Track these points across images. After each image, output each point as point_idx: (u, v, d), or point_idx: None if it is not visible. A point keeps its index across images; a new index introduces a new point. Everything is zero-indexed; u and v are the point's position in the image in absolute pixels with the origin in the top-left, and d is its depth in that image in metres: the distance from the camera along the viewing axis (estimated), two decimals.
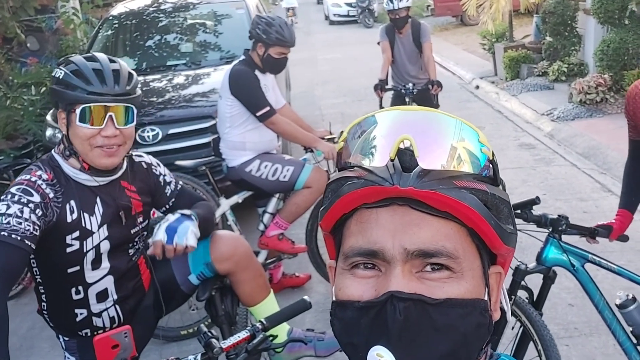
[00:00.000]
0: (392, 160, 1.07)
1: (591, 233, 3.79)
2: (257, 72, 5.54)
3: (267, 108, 5.41)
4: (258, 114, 5.40)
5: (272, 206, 5.85)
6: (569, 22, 12.74)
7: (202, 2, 9.83)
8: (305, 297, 2.89)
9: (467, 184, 1.06)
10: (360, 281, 1.09)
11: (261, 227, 5.85)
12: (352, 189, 1.09)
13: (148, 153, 3.68)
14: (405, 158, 1.07)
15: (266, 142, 5.69)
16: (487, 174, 1.11)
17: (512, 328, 3.87)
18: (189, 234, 3.30)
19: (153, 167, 3.48)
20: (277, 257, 5.87)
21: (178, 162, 5.76)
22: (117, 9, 10.11)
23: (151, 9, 9.79)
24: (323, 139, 5.71)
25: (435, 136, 1.08)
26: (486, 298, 1.12)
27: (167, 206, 3.57)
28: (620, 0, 10.63)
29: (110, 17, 9.75)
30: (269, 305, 3.87)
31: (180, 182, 3.66)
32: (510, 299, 3.72)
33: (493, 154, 1.13)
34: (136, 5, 10.10)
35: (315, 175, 5.46)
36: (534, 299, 3.89)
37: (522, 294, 3.83)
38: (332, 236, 1.20)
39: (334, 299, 1.14)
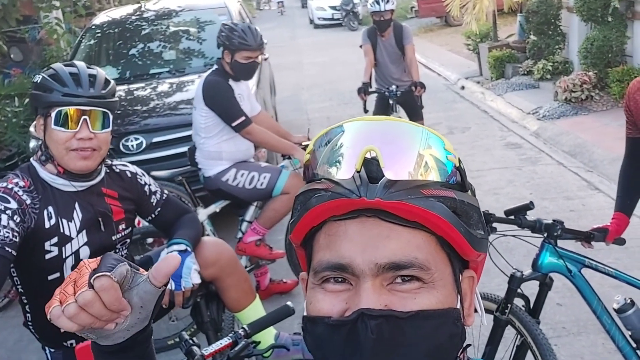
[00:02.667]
0: (358, 172, 1.06)
1: (587, 237, 3.72)
2: (230, 82, 5.51)
3: (243, 118, 5.38)
4: (233, 124, 5.37)
5: (249, 214, 5.83)
6: (553, 20, 12.78)
7: (185, 9, 9.80)
8: (289, 303, 2.89)
9: (435, 192, 1.05)
10: (331, 295, 1.08)
11: (239, 235, 5.83)
12: (320, 202, 1.08)
13: (132, 162, 3.72)
14: (372, 168, 1.06)
15: (242, 152, 5.65)
16: (455, 180, 1.10)
17: (514, 336, 3.83)
18: (192, 274, 3.39)
19: (138, 176, 3.50)
20: (255, 264, 5.87)
21: (154, 173, 5.74)
22: (100, 18, 10.07)
23: (133, 17, 9.75)
24: (301, 144, 5.68)
25: (401, 145, 1.07)
26: (458, 306, 1.12)
27: (153, 215, 3.59)
28: None
29: (93, 27, 9.71)
30: (255, 310, 3.89)
31: (166, 192, 3.68)
32: (506, 307, 3.68)
33: (459, 160, 1.12)
34: (118, 14, 10.09)
35: (293, 181, 5.43)
36: (531, 306, 3.83)
37: (518, 302, 3.77)
38: (303, 249, 1.19)
39: (305, 313, 1.13)
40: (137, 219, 3.66)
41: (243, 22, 5.70)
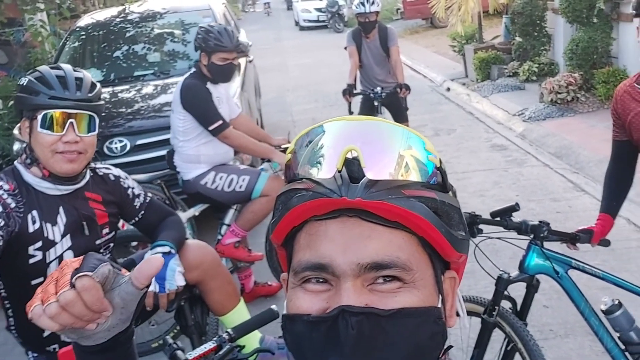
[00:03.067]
0: (339, 171, 1.05)
1: (572, 239, 3.69)
2: (209, 85, 5.48)
3: (220, 122, 5.36)
4: (210, 128, 5.35)
5: (229, 218, 5.82)
6: (538, 22, 12.81)
7: (169, 11, 9.76)
8: (273, 307, 2.89)
9: (415, 192, 1.05)
10: (311, 294, 1.08)
11: (219, 238, 5.81)
12: (301, 202, 1.08)
13: (116, 165, 3.72)
14: (353, 168, 1.06)
15: (221, 155, 5.63)
16: (436, 181, 1.10)
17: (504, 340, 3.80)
18: (176, 276, 3.39)
19: (121, 179, 3.49)
20: (234, 266, 5.85)
21: (133, 177, 5.72)
22: (84, 20, 10.01)
23: (118, 19, 9.70)
24: (280, 147, 5.69)
25: (382, 145, 1.07)
26: (440, 306, 1.12)
27: (137, 218, 3.59)
28: None
29: (77, 29, 9.65)
30: (240, 313, 3.88)
31: (150, 195, 3.67)
32: (494, 309, 3.66)
33: (440, 160, 1.12)
34: (103, 16, 10.03)
35: (272, 184, 5.42)
36: (518, 308, 3.80)
37: (505, 304, 3.75)
38: (284, 249, 1.18)
39: (284, 312, 1.13)
40: (121, 222, 3.64)
41: (221, 24, 5.65)
